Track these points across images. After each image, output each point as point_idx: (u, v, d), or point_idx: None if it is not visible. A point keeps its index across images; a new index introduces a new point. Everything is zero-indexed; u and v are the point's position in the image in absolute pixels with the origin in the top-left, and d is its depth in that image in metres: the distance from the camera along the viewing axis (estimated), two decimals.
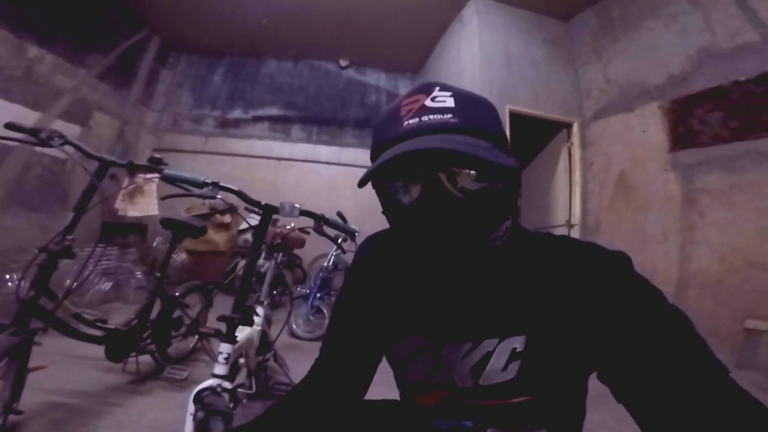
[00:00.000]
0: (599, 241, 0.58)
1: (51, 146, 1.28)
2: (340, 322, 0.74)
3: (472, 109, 0.51)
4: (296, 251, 4.34)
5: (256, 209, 1.33)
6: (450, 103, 0.50)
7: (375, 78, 6.05)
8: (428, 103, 0.51)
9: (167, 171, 1.19)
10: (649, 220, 3.30)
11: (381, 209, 0.58)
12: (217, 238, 4.32)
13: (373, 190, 0.57)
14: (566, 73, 4.22)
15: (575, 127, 4.07)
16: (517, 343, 0.56)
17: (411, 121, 0.50)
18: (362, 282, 0.72)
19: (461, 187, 0.49)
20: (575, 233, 3.93)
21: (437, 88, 0.52)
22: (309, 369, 0.74)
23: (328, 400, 0.68)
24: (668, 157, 3.17)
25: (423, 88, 0.53)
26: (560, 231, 4.03)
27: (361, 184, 0.52)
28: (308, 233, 1.44)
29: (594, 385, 0.59)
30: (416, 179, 0.50)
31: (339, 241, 2.04)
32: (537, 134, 4.36)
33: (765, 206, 2.54)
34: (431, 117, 0.49)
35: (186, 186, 1.21)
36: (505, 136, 0.55)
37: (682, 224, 3.03)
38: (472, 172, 0.49)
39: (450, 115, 0.49)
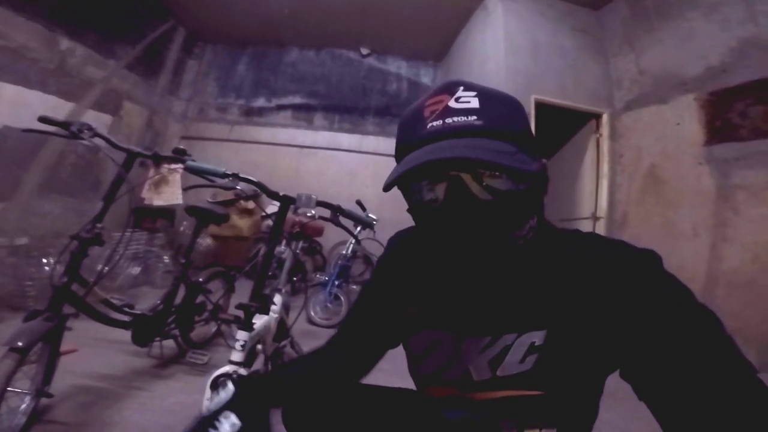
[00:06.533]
0: (626, 236, 0.57)
1: (81, 138, 1.34)
2: (362, 307, 0.79)
3: (497, 110, 0.51)
4: (317, 238, 4.42)
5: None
6: (474, 103, 0.50)
7: (396, 66, 5.99)
8: (452, 104, 0.50)
9: (190, 162, 1.23)
10: (680, 216, 3.17)
11: (403, 201, 0.59)
12: (241, 223, 4.44)
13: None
14: (596, 63, 4.06)
15: (605, 118, 3.93)
16: (537, 337, 0.56)
17: (435, 123, 0.50)
18: (388, 274, 0.75)
19: (486, 186, 0.50)
20: (601, 226, 3.83)
21: (461, 87, 0.51)
22: (327, 340, 0.81)
23: (338, 369, 0.76)
24: (703, 150, 3.02)
25: (447, 87, 0.52)
26: (585, 224, 3.94)
27: (387, 188, 0.52)
28: (328, 221, 1.46)
29: (606, 382, 0.59)
30: (441, 178, 0.51)
31: (356, 232, 2.04)
32: (563, 124, 4.24)
33: None
34: (455, 119, 0.49)
35: (208, 176, 1.25)
36: (532, 135, 0.55)
37: (715, 221, 2.90)
38: (496, 174, 0.49)
39: (474, 117, 0.49)
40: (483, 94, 0.51)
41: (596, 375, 0.57)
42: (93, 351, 1.96)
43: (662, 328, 0.45)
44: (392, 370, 0.90)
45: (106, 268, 1.42)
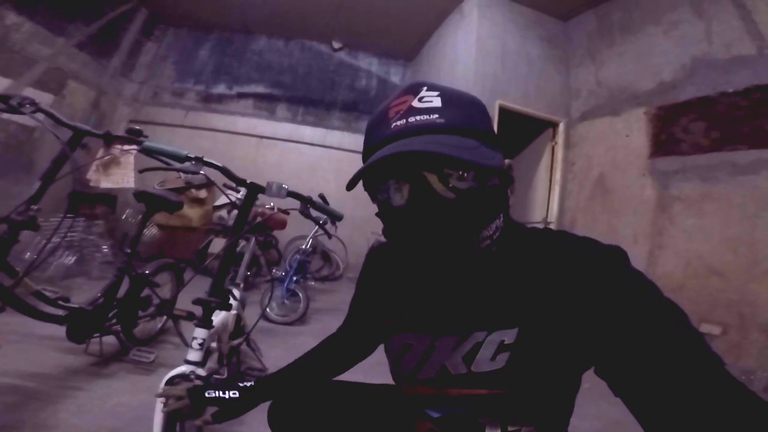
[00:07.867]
0: None
1: (22, 113, 1.18)
2: (353, 311, 0.86)
3: (459, 108, 0.52)
4: (274, 232, 4.27)
5: (237, 186, 1.28)
6: (437, 102, 0.52)
7: (367, 63, 5.97)
8: (415, 103, 0.52)
9: (147, 143, 1.11)
10: (623, 223, 3.40)
11: (364, 199, 0.60)
12: (191, 213, 4.19)
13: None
14: (559, 73, 4.25)
15: (561, 127, 4.13)
16: (507, 335, 0.56)
17: (398, 123, 0.52)
18: (367, 287, 0.80)
19: (452, 186, 0.50)
20: None
21: (425, 88, 0.53)
22: (335, 330, 0.91)
23: (341, 357, 0.87)
24: (647, 162, 3.25)
25: (411, 88, 0.54)
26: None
27: (350, 186, 0.55)
28: (288, 214, 1.39)
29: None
30: (405, 178, 0.52)
31: (321, 222, 1.99)
32: (523, 131, 4.40)
33: (732, 217, 2.65)
34: (418, 118, 0.51)
35: (166, 159, 1.14)
36: (494, 133, 0.56)
37: (653, 229, 3.14)
38: (460, 172, 0.50)
39: (436, 115, 0.51)
40: (445, 93, 0.53)
41: (571, 372, 0.58)
42: (19, 348, 1.74)
43: (632, 323, 0.46)
44: (356, 368, 0.89)
45: (39, 258, 1.25)
